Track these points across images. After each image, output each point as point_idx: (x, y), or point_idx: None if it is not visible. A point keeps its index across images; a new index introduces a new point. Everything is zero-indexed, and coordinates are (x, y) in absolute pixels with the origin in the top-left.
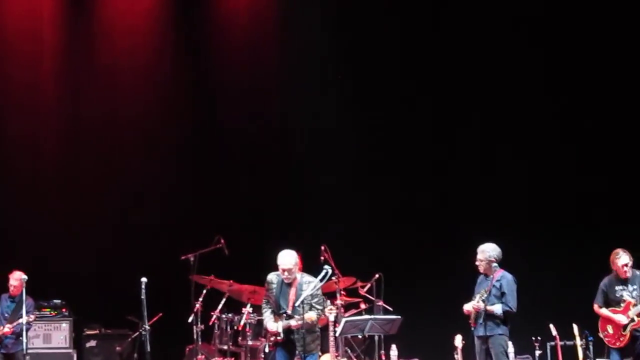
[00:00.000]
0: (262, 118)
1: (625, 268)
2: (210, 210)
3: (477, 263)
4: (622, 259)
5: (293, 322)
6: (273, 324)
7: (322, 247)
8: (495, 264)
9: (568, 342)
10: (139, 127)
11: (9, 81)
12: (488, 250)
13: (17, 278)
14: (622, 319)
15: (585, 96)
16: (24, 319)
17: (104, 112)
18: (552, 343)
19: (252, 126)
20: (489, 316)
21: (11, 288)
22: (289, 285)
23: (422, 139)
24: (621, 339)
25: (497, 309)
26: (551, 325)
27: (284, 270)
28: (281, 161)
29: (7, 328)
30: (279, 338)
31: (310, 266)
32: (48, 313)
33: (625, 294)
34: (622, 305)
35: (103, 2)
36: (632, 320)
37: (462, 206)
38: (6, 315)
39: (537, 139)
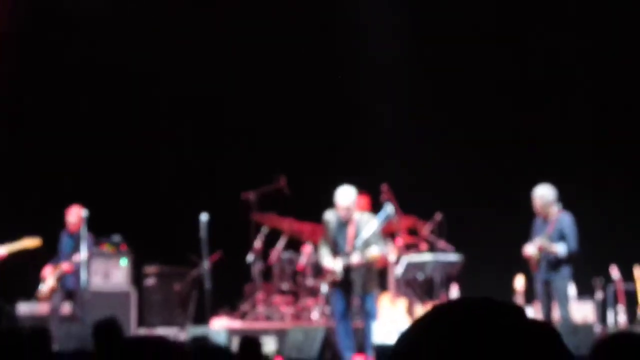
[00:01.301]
0: (322, 58)
1: None
2: (272, 149)
3: (537, 209)
4: None
5: (355, 259)
6: (330, 262)
7: (384, 187)
8: (555, 206)
9: (630, 285)
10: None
11: None
12: (545, 194)
13: (74, 214)
14: None
15: None
16: (82, 255)
17: None
18: (614, 285)
19: (314, 65)
20: (551, 259)
21: (69, 225)
22: (347, 223)
23: (483, 76)
24: None
25: (561, 249)
26: (613, 267)
27: (341, 208)
28: (343, 99)
29: (66, 265)
30: (337, 277)
31: (371, 205)
32: (107, 250)
33: None
34: None
35: None
36: None
37: (525, 144)
38: (66, 252)
39: (599, 76)
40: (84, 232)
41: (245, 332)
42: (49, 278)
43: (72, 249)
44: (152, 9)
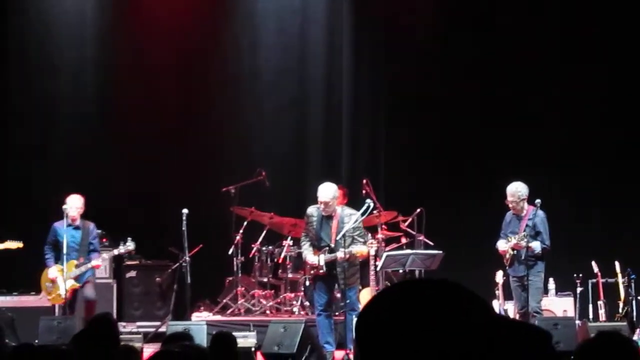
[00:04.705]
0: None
1: None
2: (252, 143)
3: (510, 205)
4: None
5: (340, 254)
6: (313, 257)
7: (364, 181)
8: (526, 202)
9: (610, 280)
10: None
11: None
12: (519, 190)
13: (79, 200)
14: None
15: None
16: (122, 248)
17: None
18: (594, 280)
19: (295, 65)
20: (526, 255)
21: (74, 211)
22: (330, 218)
23: (462, 75)
24: None
25: (536, 246)
26: (593, 262)
27: (322, 203)
28: (325, 93)
29: (97, 261)
30: (320, 271)
31: (352, 200)
32: None
33: None
34: None
35: None
36: None
37: (505, 140)
38: (74, 245)
39: (575, 76)
40: (82, 222)
41: (225, 326)
42: (60, 278)
43: (81, 241)
44: None
